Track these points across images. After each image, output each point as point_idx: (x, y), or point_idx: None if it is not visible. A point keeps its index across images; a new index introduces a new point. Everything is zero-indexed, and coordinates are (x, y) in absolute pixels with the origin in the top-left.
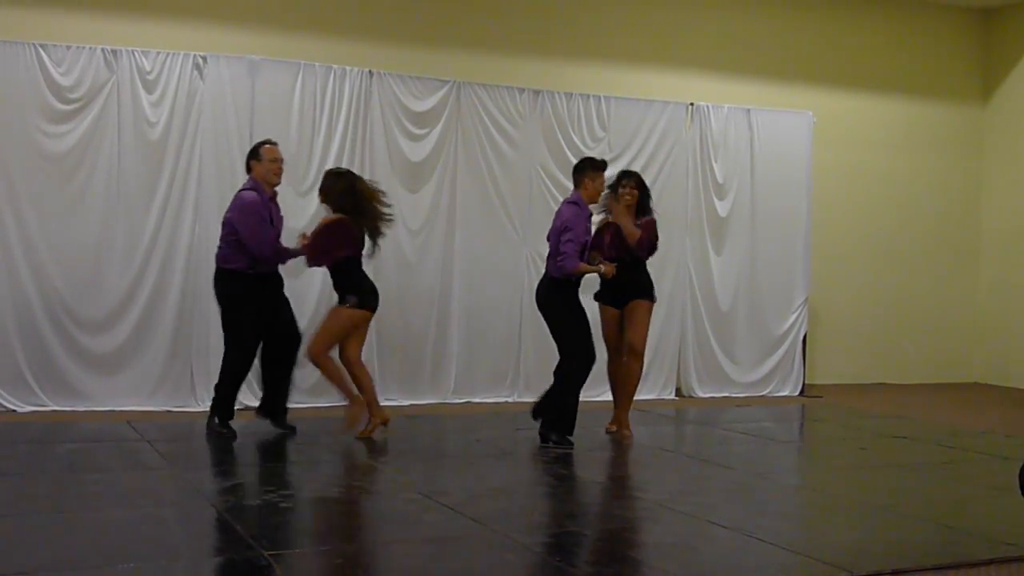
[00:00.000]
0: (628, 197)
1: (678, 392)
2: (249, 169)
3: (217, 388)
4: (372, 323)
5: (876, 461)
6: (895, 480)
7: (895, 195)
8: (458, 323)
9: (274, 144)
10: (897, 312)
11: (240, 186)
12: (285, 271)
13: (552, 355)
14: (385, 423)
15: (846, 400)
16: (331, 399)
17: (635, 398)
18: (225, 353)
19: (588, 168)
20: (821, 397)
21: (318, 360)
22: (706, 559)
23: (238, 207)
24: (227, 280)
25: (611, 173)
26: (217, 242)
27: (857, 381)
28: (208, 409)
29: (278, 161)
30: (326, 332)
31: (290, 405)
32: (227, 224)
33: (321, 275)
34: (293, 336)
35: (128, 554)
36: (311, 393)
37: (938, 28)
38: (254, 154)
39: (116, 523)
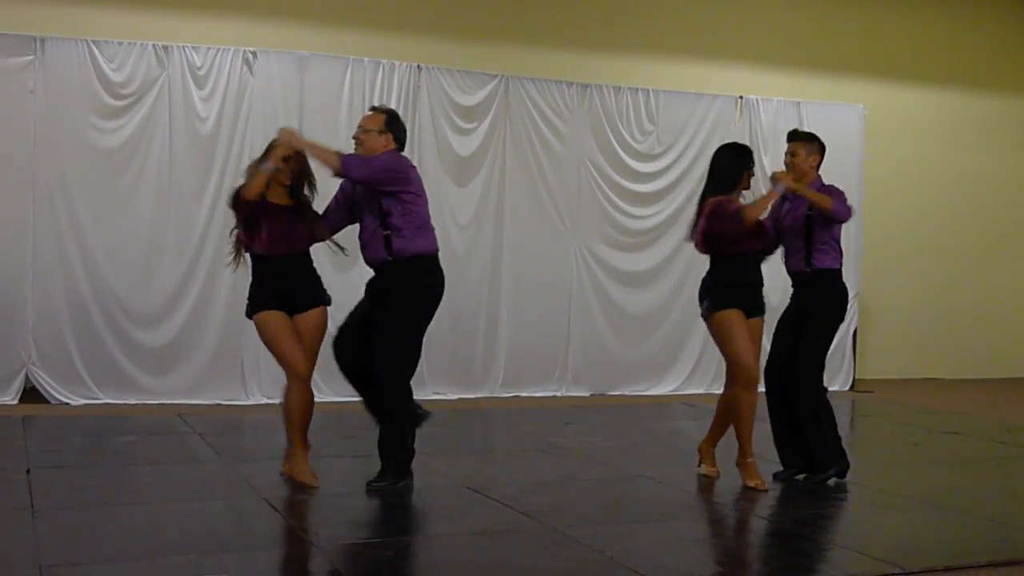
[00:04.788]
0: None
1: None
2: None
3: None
4: None
5: (928, 457)
6: (947, 476)
7: (947, 188)
8: (507, 317)
9: None
10: (949, 306)
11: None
12: (335, 266)
13: (601, 349)
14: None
15: (897, 395)
16: None
17: (685, 392)
18: (395, 372)
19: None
20: (872, 392)
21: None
22: (755, 554)
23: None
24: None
25: (659, 167)
26: None
27: (908, 376)
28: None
29: None
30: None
31: (335, 399)
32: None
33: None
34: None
35: (180, 546)
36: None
37: (990, 18)
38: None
39: (168, 515)
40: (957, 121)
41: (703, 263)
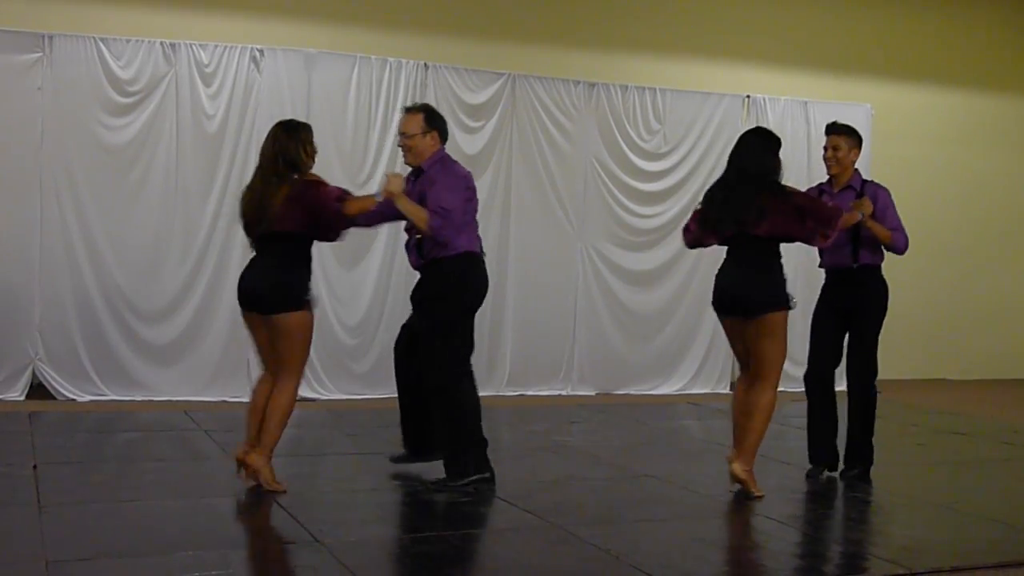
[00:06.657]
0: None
1: (732, 386)
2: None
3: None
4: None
5: (935, 458)
6: (954, 477)
7: (955, 188)
8: (512, 315)
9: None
10: (956, 306)
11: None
12: (339, 260)
13: (607, 348)
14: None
15: (904, 396)
16: (388, 389)
17: (691, 392)
18: (449, 382)
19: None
20: (879, 392)
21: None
22: (761, 554)
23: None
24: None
25: (666, 166)
26: None
27: (915, 376)
28: None
29: None
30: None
31: (346, 396)
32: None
33: (377, 266)
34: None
35: (186, 543)
36: (366, 383)
37: (998, 18)
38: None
39: (174, 512)
40: (965, 121)
41: (709, 263)
